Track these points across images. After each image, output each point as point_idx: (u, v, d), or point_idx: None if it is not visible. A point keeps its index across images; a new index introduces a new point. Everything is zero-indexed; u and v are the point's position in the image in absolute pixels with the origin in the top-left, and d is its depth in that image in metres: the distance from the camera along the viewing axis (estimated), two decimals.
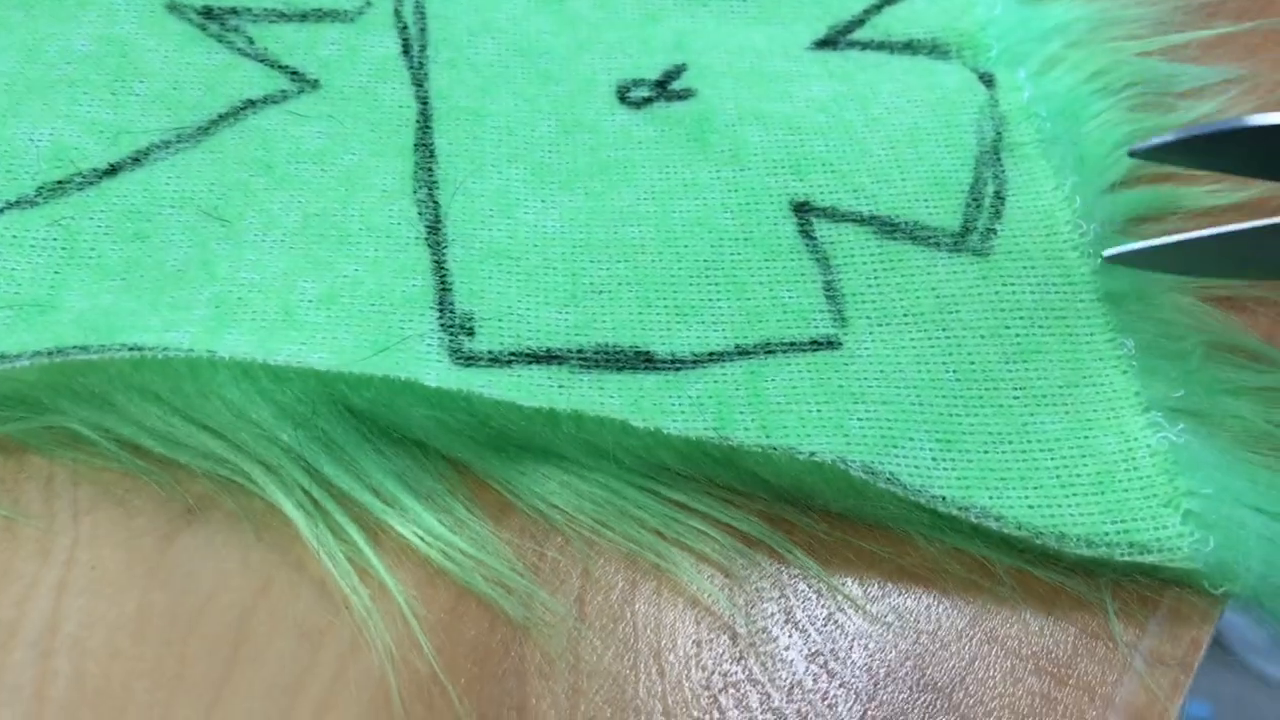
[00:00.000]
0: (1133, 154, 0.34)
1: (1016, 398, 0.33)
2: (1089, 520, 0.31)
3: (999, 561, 0.31)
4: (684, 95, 0.40)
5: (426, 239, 0.35)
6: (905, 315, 0.35)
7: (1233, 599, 0.31)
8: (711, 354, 0.34)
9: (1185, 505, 0.31)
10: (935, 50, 0.43)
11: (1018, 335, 0.34)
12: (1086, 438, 0.32)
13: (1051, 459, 0.32)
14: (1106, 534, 0.30)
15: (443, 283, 0.34)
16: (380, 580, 0.30)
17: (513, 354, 0.33)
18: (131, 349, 0.30)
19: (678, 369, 0.33)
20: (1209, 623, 0.31)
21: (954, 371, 0.34)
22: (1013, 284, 0.36)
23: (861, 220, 0.37)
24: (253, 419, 0.31)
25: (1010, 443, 0.32)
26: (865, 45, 0.43)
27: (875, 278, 0.36)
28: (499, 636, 0.30)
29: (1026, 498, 0.31)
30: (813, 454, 0.31)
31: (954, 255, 0.36)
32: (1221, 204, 0.40)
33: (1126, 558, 0.30)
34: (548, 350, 0.33)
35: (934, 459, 0.32)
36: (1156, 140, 0.34)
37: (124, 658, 0.29)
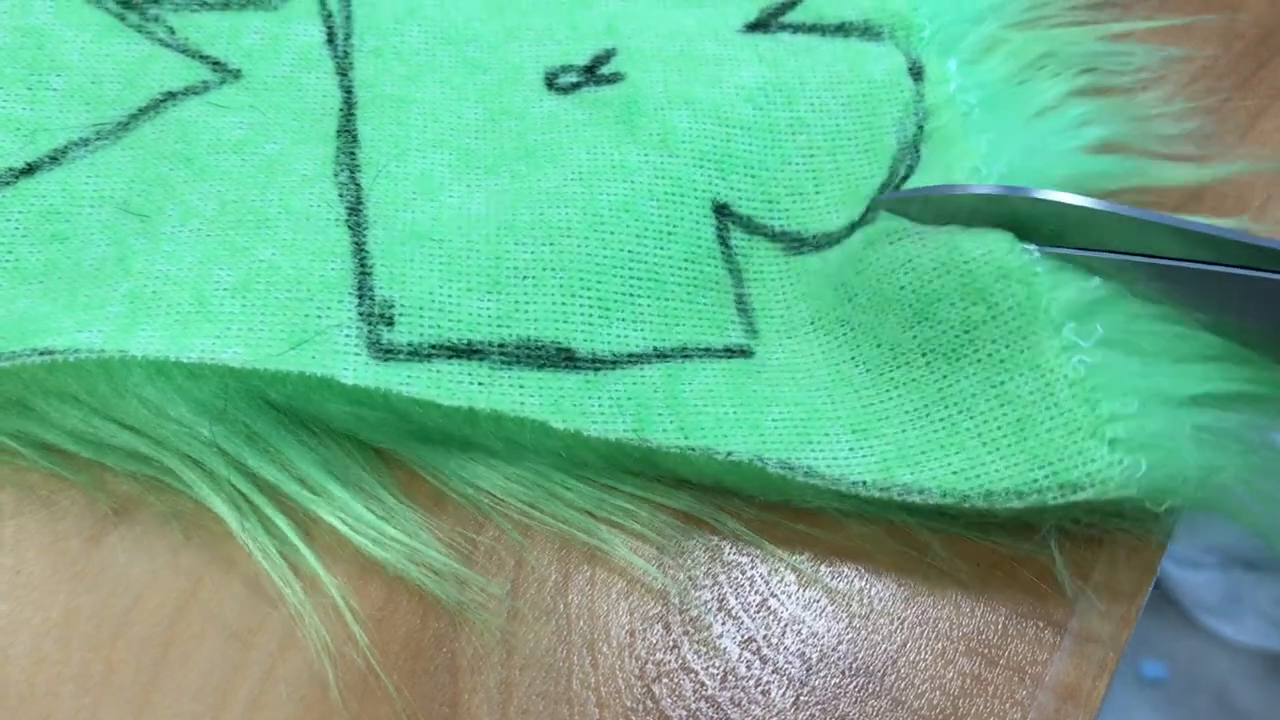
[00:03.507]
0: (875, 205, 0.35)
1: (927, 363, 0.33)
2: (1015, 471, 0.30)
3: (935, 533, 0.31)
4: (613, 79, 0.40)
5: (347, 220, 0.35)
6: (810, 323, 0.35)
7: (1173, 513, 0.31)
8: (631, 355, 0.34)
9: (1110, 433, 0.30)
10: (867, 32, 0.43)
11: (914, 292, 0.33)
12: (1002, 383, 0.32)
13: (970, 418, 0.32)
14: (1034, 481, 0.30)
15: (363, 266, 0.34)
16: (313, 575, 0.30)
17: (433, 347, 0.32)
18: (43, 353, 0.30)
19: (598, 369, 0.33)
20: (1138, 600, 0.31)
21: (862, 364, 0.34)
22: (897, 238, 0.35)
23: (772, 235, 0.37)
24: (171, 416, 0.31)
25: (927, 414, 0.32)
26: (797, 28, 0.43)
27: (782, 292, 0.36)
28: (430, 632, 0.29)
29: (949, 464, 0.31)
30: (730, 453, 0.31)
31: (846, 238, 0.36)
32: (1192, 180, 0.40)
33: (1059, 500, 0.30)
34: (468, 343, 0.33)
35: (851, 449, 0.32)
36: (899, 194, 0.34)
37: (49, 663, 0.28)
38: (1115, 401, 0.30)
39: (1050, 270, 0.33)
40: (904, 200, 0.35)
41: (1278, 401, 0.32)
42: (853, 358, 0.34)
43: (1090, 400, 0.31)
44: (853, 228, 0.37)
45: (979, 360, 0.32)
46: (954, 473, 0.31)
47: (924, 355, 0.33)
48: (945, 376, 0.33)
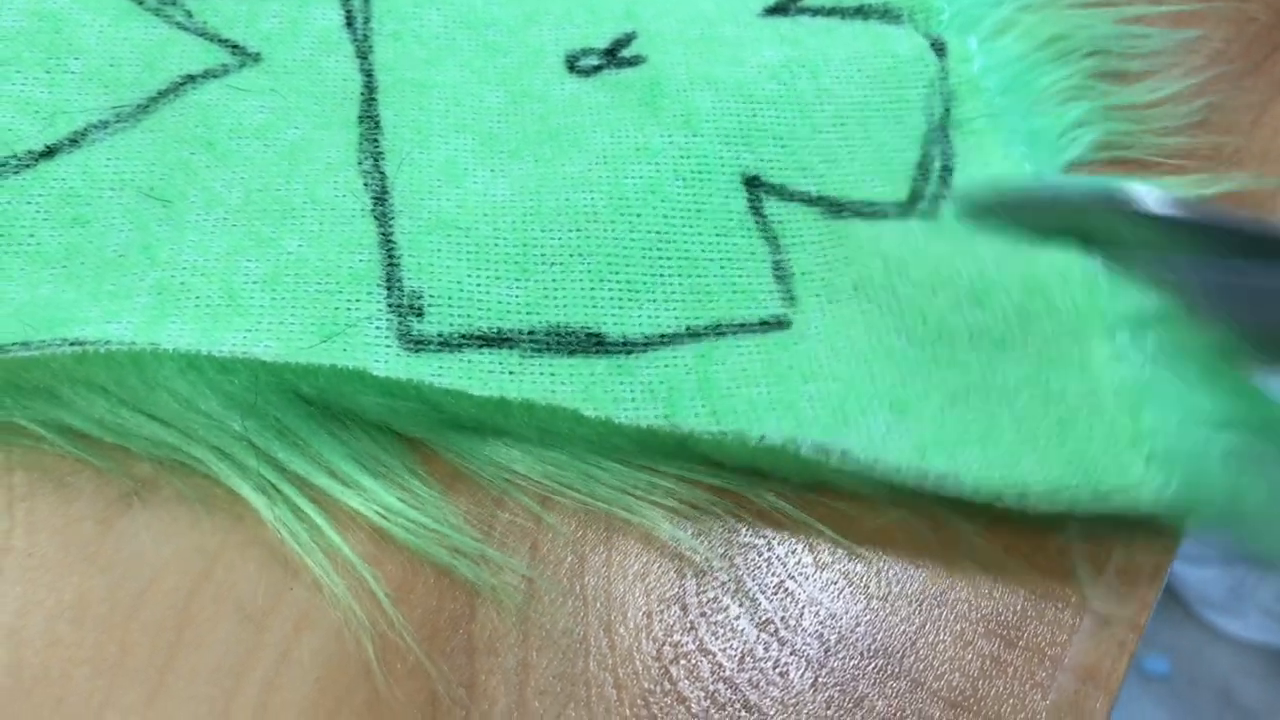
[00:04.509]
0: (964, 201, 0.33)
1: (973, 346, 0.33)
2: (1050, 473, 0.30)
3: (966, 520, 0.31)
4: (634, 62, 0.40)
5: (373, 210, 0.34)
6: (854, 288, 0.35)
7: (1193, 533, 0.31)
8: (662, 336, 0.33)
9: (1149, 446, 0.30)
10: (887, 15, 0.43)
11: (970, 278, 0.33)
12: (1048, 379, 0.32)
13: (1011, 409, 0.31)
14: (1069, 486, 0.30)
15: (390, 257, 0.33)
16: (344, 558, 0.30)
17: (463, 336, 0.32)
18: (73, 344, 0.30)
19: (629, 352, 0.33)
20: (1157, 582, 0.31)
21: (906, 336, 0.33)
22: (962, 234, 0.35)
23: (809, 200, 0.37)
24: (201, 409, 0.30)
25: (967, 399, 0.32)
26: (816, 11, 0.43)
27: (823, 255, 0.36)
28: (447, 614, 0.29)
29: (985, 456, 0.30)
30: (763, 437, 0.30)
31: (902, 220, 0.36)
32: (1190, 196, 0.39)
33: (1090, 507, 0.30)
34: (498, 331, 0.32)
35: (888, 428, 0.31)
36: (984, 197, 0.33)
37: (62, 645, 0.28)
38: (1158, 415, 0.30)
39: (1113, 279, 0.33)
40: (999, 197, 0.34)
41: None
42: (896, 328, 0.34)
43: (1133, 411, 0.31)
44: (902, 209, 0.37)
45: (1027, 352, 0.32)
46: (989, 466, 0.30)
47: (971, 338, 0.33)
48: (990, 362, 0.32)
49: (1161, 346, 0.32)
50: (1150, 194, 0.32)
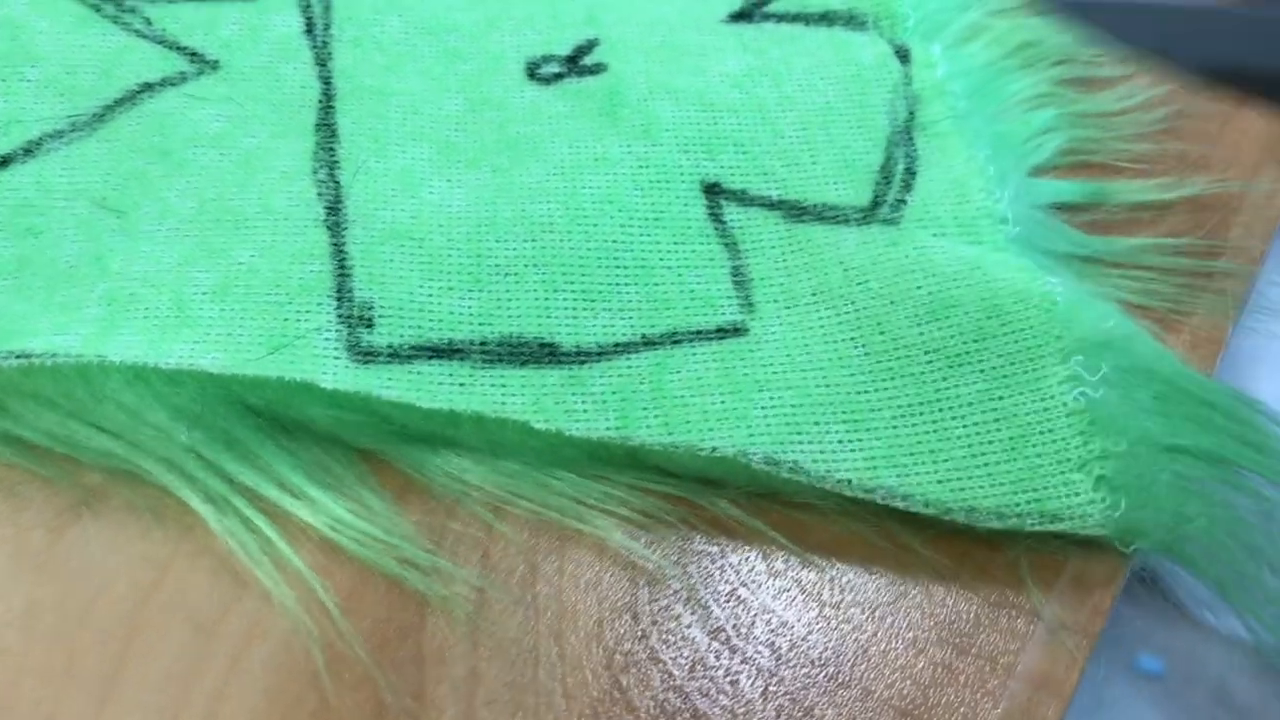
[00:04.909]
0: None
1: (929, 361, 0.33)
2: (999, 492, 0.30)
3: (909, 538, 0.31)
4: (595, 70, 0.40)
5: (325, 220, 0.34)
6: (813, 295, 0.35)
7: (1141, 554, 0.31)
8: (617, 345, 0.33)
9: (1098, 470, 0.30)
10: (852, 21, 0.43)
11: (929, 294, 0.33)
12: (1001, 398, 0.32)
13: (963, 426, 0.31)
14: (1017, 505, 0.30)
15: (341, 267, 0.33)
16: (294, 569, 0.29)
17: (413, 348, 0.32)
18: (19, 356, 0.30)
19: (582, 363, 0.32)
20: (1112, 588, 0.31)
21: (862, 346, 0.33)
22: (923, 246, 0.35)
23: (770, 205, 0.37)
24: (149, 421, 0.30)
25: (920, 414, 0.32)
26: (780, 18, 0.43)
27: (783, 260, 0.36)
28: (396, 624, 0.29)
29: (935, 472, 0.31)
30: (714, 449, 0.30)
31: (863, 227, 0.36)
32: (1153, 200, 0.40)
33: (1037, 527, 0.30)
34: (449, 342, 0.32)
35: (840, 441, 0.31)
36: None
37: (10, 654, 0.28)
38: (1107, 439, 0.31)
39: (1069, 303, 0.33)
40: None
41: (1254, 462, 0.32)
42: (853, 338, 0.33)
43: (1085, 433, 0.31)
44: (864, 213, 0.36)
45: (982, 371, 0.32)
46: (939, 482, 0.31)
47: (927, 353, 0.33)
48: (945, 378, 0.32)
49: (1115, 370, 0.32)
50: None
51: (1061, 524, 0.30)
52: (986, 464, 0.31)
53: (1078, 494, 0.30)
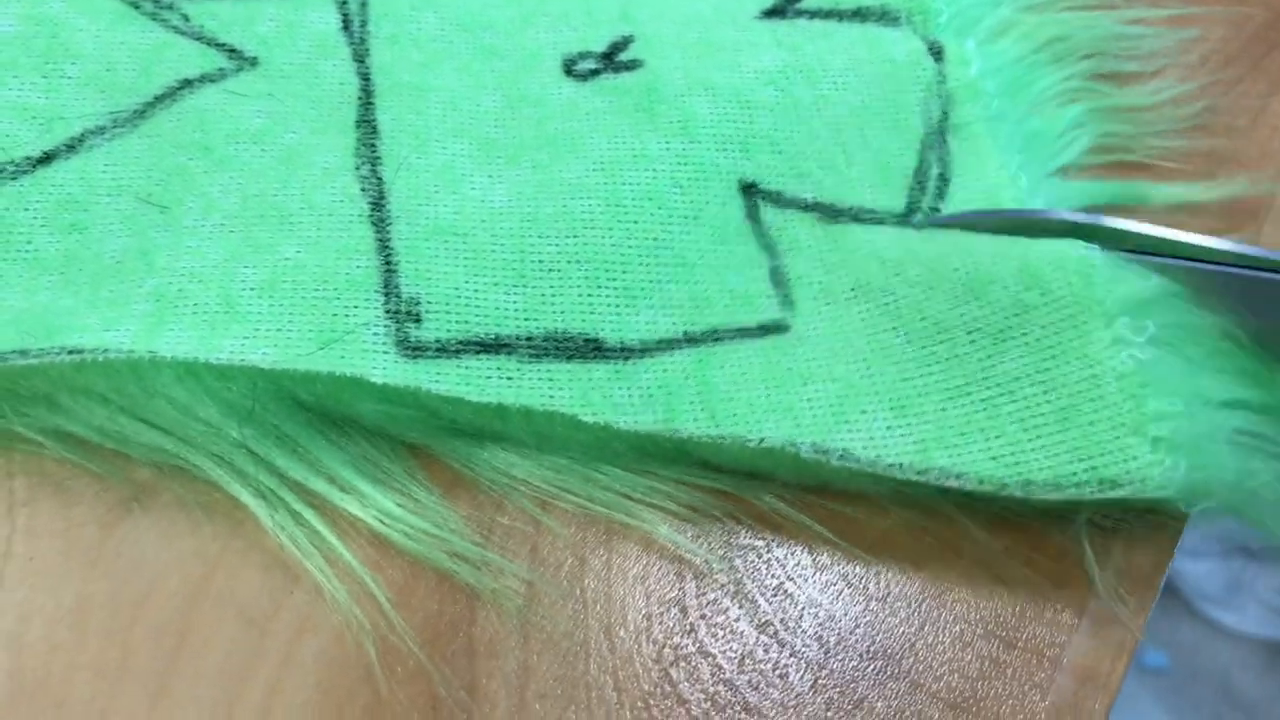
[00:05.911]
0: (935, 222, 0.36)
1: (972, 340, 0.32)
2: (1055, 463, 0.30)
3: (972, 517, 0.31)
4: (631, 66, 0.40)
5: (370, 216, 0.35)
6: (852, 290, 0.35)
7: (1204, 515, 0.31)
8: (660, 341, 0.33)
9: (1154, 431, 0.30)
10: (884, 17, 0.43)
11: (967, 273, 0.33)
12: (1048, 369, 0.31)
13: (1011, 401, 0.31)
14: (1074, 474, 0.30)
15: (387, 263, 0.33)
16: (345, 563, 0.30)
17: (460, 343, 0.32)
18: (71, 352, 0.30)
19: (627, 358, 0.33)
20: (1156, 581, 0.31)
21: (905, 334, 0.33)
22: (957, 239, 0.35)
23: (805, 207, 0.37)
24: (200, 416, 0.31)
25: (968, 393, 0.32)
26: (814, 14, 0.43)
27: (820, 259, 0.36)
28: (448, 617, 0.29)
29: (988, 448, 0.30)
30: (762, 440, 0.30)
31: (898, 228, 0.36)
32: (1193, 201, 0.40)
33: (1096, 495, 0.29)
34: (496, 337, 0.32)
35: (888, 427, 0.31)
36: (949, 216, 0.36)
37: (63, 650, 0.28)
38: (1161, 400, 0.30)
39: (1109, 265, 0.32)
40: (969, 220, 0.35)
41: None
42: (894, 327, 0.33)
43: (1137, 396, 0.30)
44: (899, 220, 0.37)
45: (1026, 344, 0.32)
46: (992, 458, 0.30)
47: (969, 333, 0.33)
48: (990, 355, 0.32)
49: (1162, 329, 0.31)
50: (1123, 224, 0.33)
51: (1121, 490, 0.29)
52: (1039, 436, 0.30)
53: (1135, 457, 0.29)
